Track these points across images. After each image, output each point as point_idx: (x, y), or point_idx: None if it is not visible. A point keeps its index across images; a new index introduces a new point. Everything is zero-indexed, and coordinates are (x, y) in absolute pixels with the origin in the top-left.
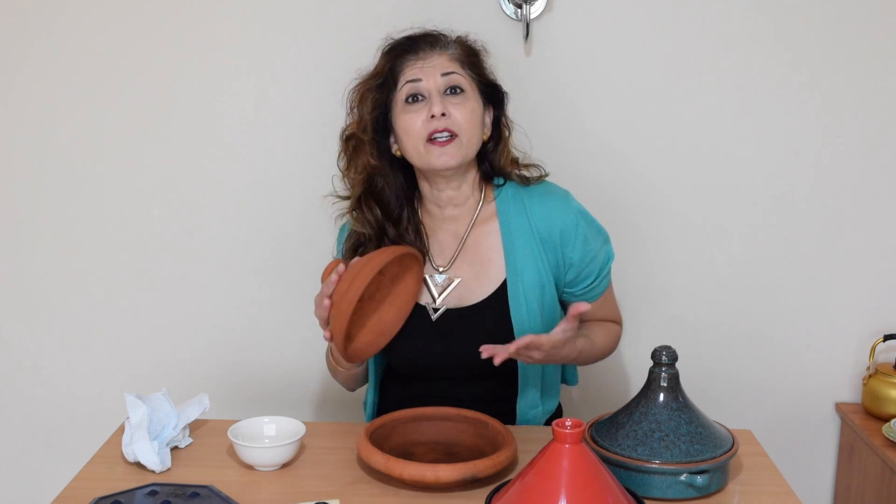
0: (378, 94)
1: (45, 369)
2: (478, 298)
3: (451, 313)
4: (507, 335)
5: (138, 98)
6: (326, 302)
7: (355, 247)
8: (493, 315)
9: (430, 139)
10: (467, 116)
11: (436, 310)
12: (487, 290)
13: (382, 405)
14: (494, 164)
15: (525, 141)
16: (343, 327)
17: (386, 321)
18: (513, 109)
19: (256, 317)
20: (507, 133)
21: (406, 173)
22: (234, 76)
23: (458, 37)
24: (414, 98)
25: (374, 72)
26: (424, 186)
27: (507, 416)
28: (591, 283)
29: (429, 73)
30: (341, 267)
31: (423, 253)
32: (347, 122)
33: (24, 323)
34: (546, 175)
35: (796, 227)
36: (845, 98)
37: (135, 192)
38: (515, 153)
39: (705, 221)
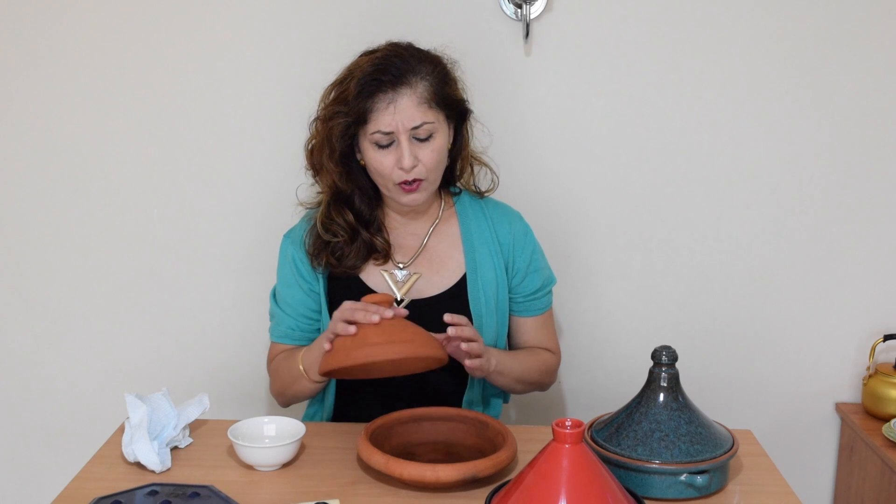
0: (346, 128)
1: (45, 369)
2: (437, 291)
3: (414, 304)
4: None
5: (139, 100)
6: (352, 329)
7: (324, 244)
8: (454, 307)
9: (398, 183)
10: (434, 158)
11: (399, 302)
12: (447, 284)
13: (339, 391)
14: (454, 171)
15: (485, 137)
16: (343, 365)
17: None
18: (512, 109)
19: (257, 317)
20: (467, 139)
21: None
22: (222, 79)
23: (430, 56)
24: (382, 141)
25: (343, 106)
26: (388, 196)
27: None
28: (533, 295)
29: (399, 121)
30: (389, 312)
31: (388, 250)
32: (311, 133)
33: (25, 323)
34: (495, 185)
35: (796, 227)
36: (845, 100)
37: (135, 192)
38: (472, 151)
39: (706, 221)
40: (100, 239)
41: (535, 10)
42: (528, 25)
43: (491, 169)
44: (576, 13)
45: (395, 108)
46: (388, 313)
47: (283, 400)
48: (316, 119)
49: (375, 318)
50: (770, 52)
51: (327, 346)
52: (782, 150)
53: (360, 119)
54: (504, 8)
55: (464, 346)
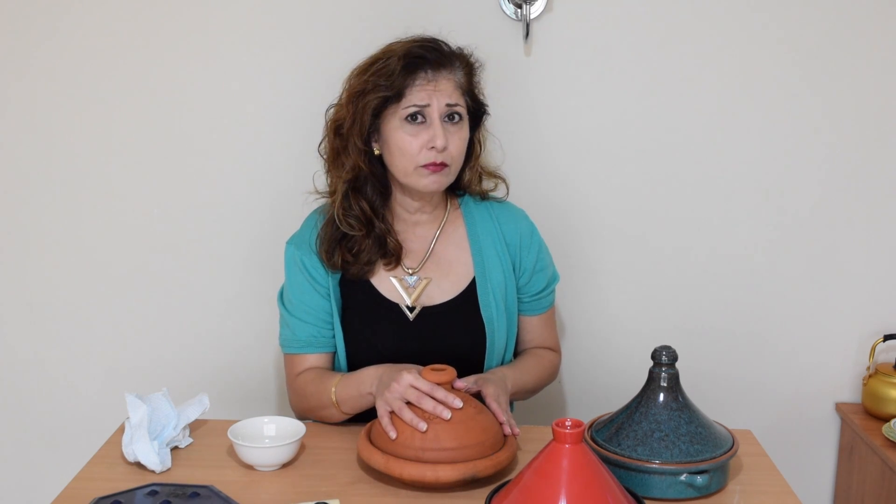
0: (380, 101)
1: (45, 369)
2: (447, 297)
3: (426, 311)
4: (479, 332)
5: (140, 100)
6: (423, 427)
7: (337, 239)
8: (465, 312)
9: (423, 164)
10: (460, 147)
11: (411, 309)
12: (456, 290)
13: None
14: (462, 179)
15: (498, 152)
16: (413, 461)
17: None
18: (512, 109)
19: (257, 317)
20: (479, 150)
21: (385, 168)
22: (222, 79)
23: (463, 53)
24: (414, 117)
25: (384, 80)
26: (397, 189)
27: None
28: (539, 294)
29: (436, 98)
30: (459, 403)
31: (399, 252)
32: (337, 106)
33: (25, 323)
34: (506, 196)
35: (796, 227)
36: (845, 99)
37: (136, 192)
38: (485, 164)
39: (705, 221)
40: (100, 238)
41: (535, 10)
42: (528, 25)
43: (506, 183)
44: (576, 13)
45: (434, 87)
46: (458, 404)
47: (304, 417)
48: (344, 94)
49: (447, 416)
50: (771, 51)
51: (393, 434)
52: (784, 150)
53: (397, 94)
54: (504, 8)
55: (508, 431)
